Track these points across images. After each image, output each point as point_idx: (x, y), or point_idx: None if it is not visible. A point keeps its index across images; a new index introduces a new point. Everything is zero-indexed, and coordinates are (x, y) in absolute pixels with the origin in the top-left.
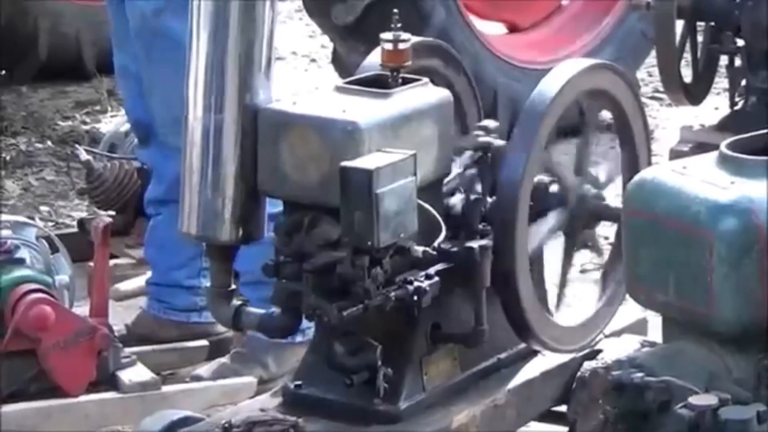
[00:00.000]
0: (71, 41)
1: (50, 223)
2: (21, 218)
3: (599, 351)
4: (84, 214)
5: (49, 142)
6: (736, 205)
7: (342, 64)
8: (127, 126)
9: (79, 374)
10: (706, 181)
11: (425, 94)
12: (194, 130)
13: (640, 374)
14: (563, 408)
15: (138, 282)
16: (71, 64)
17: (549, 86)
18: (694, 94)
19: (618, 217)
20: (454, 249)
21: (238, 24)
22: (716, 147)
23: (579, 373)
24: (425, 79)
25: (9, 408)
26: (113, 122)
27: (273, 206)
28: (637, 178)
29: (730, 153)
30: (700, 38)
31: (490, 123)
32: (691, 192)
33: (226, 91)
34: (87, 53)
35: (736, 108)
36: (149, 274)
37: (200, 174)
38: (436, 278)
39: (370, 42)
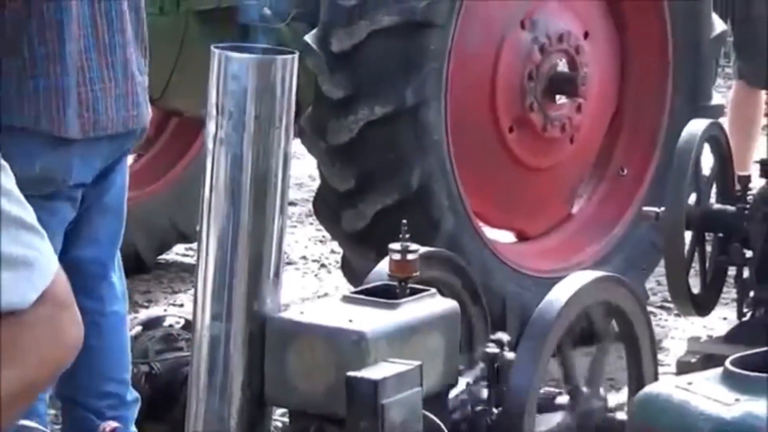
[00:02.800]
0: None
1: None
2: (27, 422)
3: None
4: None
5: None
6: (739, 423)
7: (351, 270)
8: (137, 330)
9: None
10: (710, 398)
11: (433, 305)
12: (202, 337)
13: None
14: None
15: None
16: None
17: (557, 298)
18: (702, 304)
19: (623, 431)
20: None
21: (248, 232)
22: (724, 358)
23: None
24: (433, 290)
25: None
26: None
27: None
28: (642, 393)
29: (734, 370)
30: (708, 249)
31: (503, 336)
32: (696, 409)
33: (234, 300)
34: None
35: (744, 319)
36: None
37: (207, 381)
38: None
39: (380, 249)
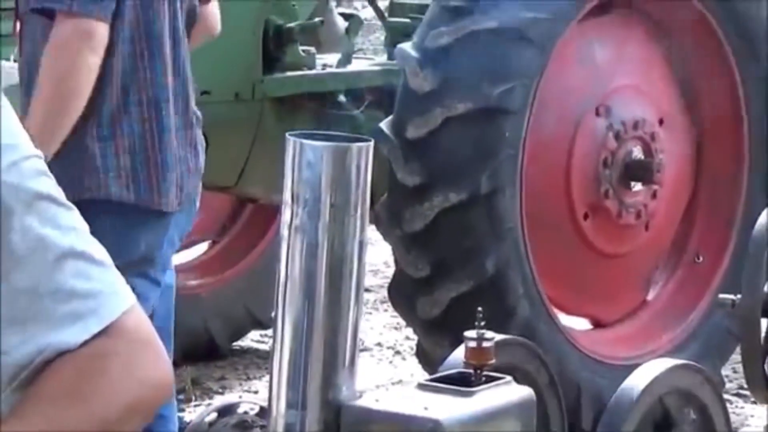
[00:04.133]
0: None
1: None
2: None
3: None
4: None
5: None
6: None
7: (427, 357)
8: (212, 416)
9: None
10: None
11: (508, 393)
12: (277, 425)
13: None
14: None
15: None
16: None
17: (633, 386)
18: None
19: None
20: None
21: (323, 320)
22: None
23: None
24: (508, 378)
25: None
26: (197, 411)
27: None
28: None
29: None
30: None
31: None
32: None
33: (309, 388)
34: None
35: None
36: None
37: None
38: None
39: (455, 336)
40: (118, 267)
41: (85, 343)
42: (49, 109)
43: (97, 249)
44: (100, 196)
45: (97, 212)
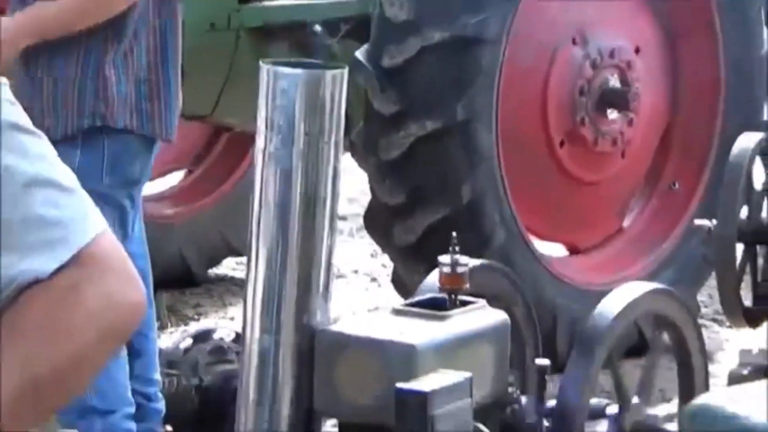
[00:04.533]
0: None
1: None
2: None
3: None
4: None
5: None
6: None
7: (402, 284)
8: (187, 342)
9: None
10: (763, 410)
11: (482, 317)
12: (251, 350)
13: None
14: None
15: None
16: None
17: (608, 309)
18: (754, 317)
19: None
20: None
21: (298, 246)
22: None
23: None
24: (482, 302)
25: None
26: (173, 338)
27: None
28: (693, 404)
29: None
30: (760, 262)
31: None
32: (747, 420)
33: (283, 313)
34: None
35: None
36: None
37: (256, 394)
38: None
39: (431, 262)
40: (115, 186)
41: (57, 272)
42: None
43: (65, 176)
44: (107, 122)
45: (104, 138)
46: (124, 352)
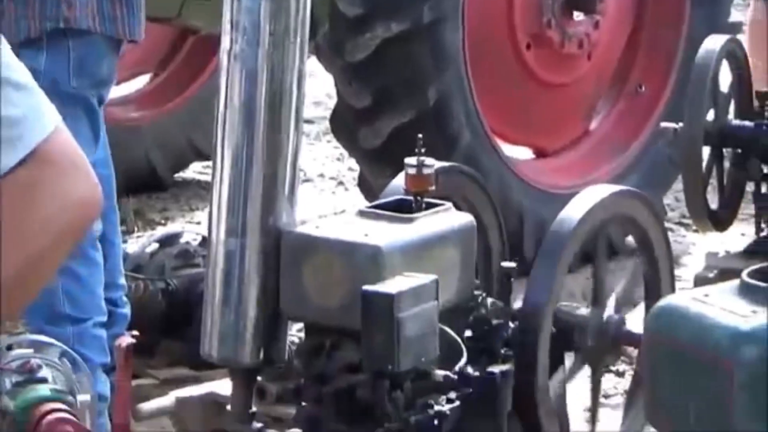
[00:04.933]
0: None
1: None
2: (43, 338)
3: None
4: None
5: None
6: (756, 334)
7: (369, 187)
8: (153, 246)
9: None
10: (727, 310)
11: (448, 219)
12: (217, 252)
13: None
14: None
15: (160, 402)
16: None
17: (573, 212)
18: (720, 220)
19: (640, 343)
20: (476, 374)
21: (263, 148)
22: (741, 274)
23: None
24: (448, 204)
25: None
26: (139, 242)
27: None
28: (658, 305)
29: (751, 282)
30: (726, 165)
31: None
32: (712, 320)
33: (249, 215)
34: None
35: (762, 234)
36: (172, 394)
37: (222, 296)
38: (458, 403)
39: (397, 165)
40: (84, 87)
41: (13, 171)
42: None
43: (20, 73)
44: (70, 25)
45: (68, 40)
46: (101, 260)
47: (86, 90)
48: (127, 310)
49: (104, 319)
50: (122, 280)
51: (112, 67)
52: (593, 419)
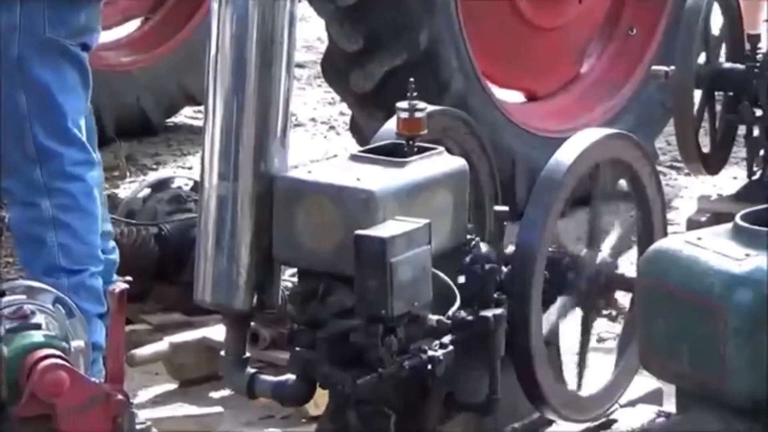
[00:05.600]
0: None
1: None
2: (37, 284)
3: (614, 421)
4: None
5: None
6: (749, 278)
7: (360, 132)
8: (145, 192)
9: None
10: (720, 253)
11: (440, 163)
12: (209, 197)
13: None
14: None
15: (154, 348)
16: None
17: (565, 156)
18: (712, 164)
19: (632, 287)
20: (469, 318)
21: (255, 92)
22: (733, 217)
23: None
24: (441, 148)
25: None
26: (131, 188)
27: None
28: (651, 248)
29: (744, 225)
30: (718, 108)
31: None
32: (706, 264)
33: (241, 159)
34: (106, 118)
35: (754, 178)
36: (166, 340)
37: (215, 241)
38: (451, 347)
39: (388, 110)
40: (60, 35)
41: None
42: None
43: None
44: None
45: None
46: (95, 210)
47: (63, 39)
48: (115, 255)
49: (100, 268)
50: (108, 226)
51: (93, 14)
52: (581, 363)
